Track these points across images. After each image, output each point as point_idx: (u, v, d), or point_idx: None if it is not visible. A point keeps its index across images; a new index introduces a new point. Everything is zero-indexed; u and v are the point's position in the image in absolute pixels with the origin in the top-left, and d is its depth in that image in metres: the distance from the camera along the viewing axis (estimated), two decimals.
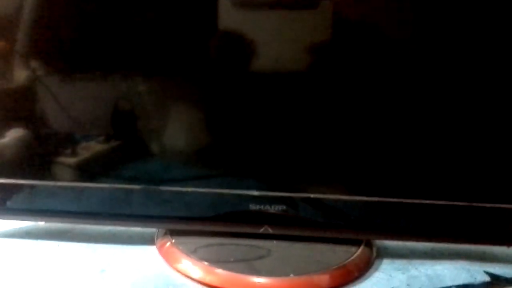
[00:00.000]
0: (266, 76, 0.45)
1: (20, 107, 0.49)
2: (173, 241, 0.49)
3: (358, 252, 0.47)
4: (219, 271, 0.44)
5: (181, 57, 0.46)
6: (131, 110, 0.48)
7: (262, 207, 0.47)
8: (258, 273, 0.44)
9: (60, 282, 0.43)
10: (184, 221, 0.49)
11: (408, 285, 0.45)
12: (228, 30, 0.45)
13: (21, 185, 0.50)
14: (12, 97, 0.49)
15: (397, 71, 0.44)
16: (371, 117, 0.45)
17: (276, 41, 0.44)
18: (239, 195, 0.47)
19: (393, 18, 0.44)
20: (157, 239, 0.51)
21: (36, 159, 0.50)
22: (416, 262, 0.49)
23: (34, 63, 0.49)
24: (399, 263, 0.49)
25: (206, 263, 0.45)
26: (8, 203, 0.51)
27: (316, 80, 0.45)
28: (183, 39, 0.45)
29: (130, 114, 0.48)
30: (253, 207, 0.47)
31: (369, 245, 0.49)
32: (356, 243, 0.49)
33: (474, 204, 0.46)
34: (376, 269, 0.47)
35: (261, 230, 0.48)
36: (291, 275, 0.43)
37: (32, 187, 0.50)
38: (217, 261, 0.45)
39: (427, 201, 0.46)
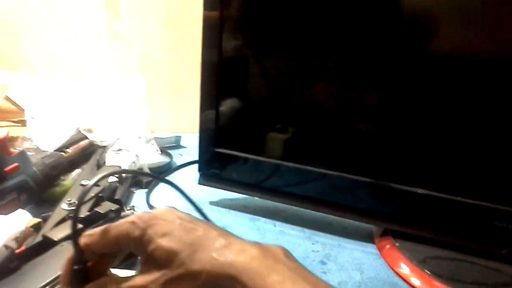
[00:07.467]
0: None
1: (233, 78, 0.50)
2: (397, 244, 0.44)
3: None
4: None
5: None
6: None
7: (510, 225, 0.40)
8: None
9: None
10: (413, 225, 0.44)
11: None
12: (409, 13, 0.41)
13: (237, 157, 0.51)
14: (227, 68, 0.49)
15: None
16: None
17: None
18: (483, 207, 0.41)
19: None
20: (376, 237, 0.47)
21: (250, 131, 0.50)
22: None
23: (245, 36, 0.48)
24: None
25: (439, 279, 0.40)
26: (224, 174, 0.52)
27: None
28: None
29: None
30: (498, 224, 0.41)
31: None
32: None
33: None
34: None
35: (504, 252, 0.41)
36: None
37: (247, 160, 0.50)
38: (451, 279, 0.40)
39: None
